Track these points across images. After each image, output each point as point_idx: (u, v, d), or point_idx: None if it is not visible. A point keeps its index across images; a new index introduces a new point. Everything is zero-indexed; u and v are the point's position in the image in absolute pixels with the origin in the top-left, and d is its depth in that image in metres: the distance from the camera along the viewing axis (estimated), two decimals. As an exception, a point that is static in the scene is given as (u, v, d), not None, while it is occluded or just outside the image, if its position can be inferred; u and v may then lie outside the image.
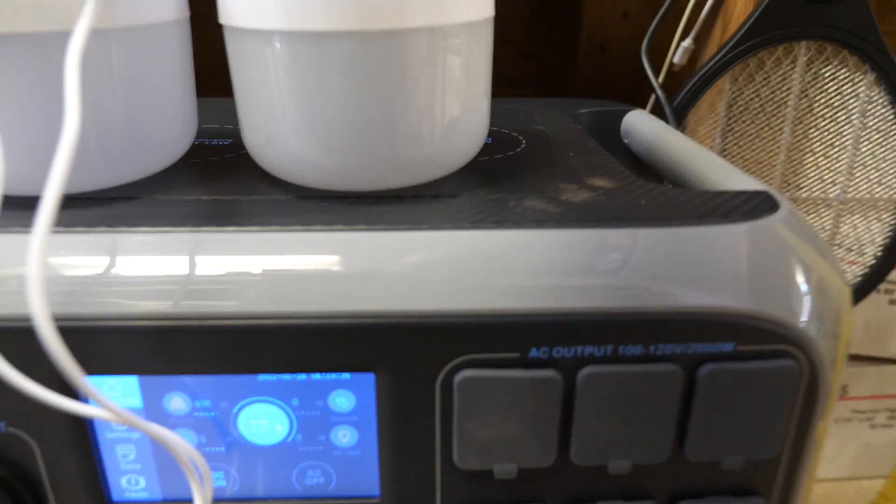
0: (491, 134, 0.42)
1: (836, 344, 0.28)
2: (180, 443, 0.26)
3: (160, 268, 0.26)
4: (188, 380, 0.27)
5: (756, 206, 0.30)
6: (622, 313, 0.26)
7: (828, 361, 0.28)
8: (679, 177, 0.38)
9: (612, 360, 0.27)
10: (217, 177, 0.34)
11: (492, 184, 0.33)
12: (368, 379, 0.27)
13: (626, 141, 0.48)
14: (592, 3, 0.86)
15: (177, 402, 0.28)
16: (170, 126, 0.32)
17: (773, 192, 0.31)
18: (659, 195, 0.31)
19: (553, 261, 0.27)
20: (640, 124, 0.46)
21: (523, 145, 0.40)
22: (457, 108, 0.30)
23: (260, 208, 0.29)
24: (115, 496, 0.30)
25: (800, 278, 0.28)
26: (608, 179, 0.33)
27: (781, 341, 0.27)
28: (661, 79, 0.58)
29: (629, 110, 0.49)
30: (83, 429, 0.28)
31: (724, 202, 0.30)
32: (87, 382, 0.22)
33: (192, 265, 0.26)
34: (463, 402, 0.27)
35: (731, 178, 0.34)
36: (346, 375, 0.27)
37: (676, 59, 0.59)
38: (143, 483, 0.29)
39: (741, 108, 0.55)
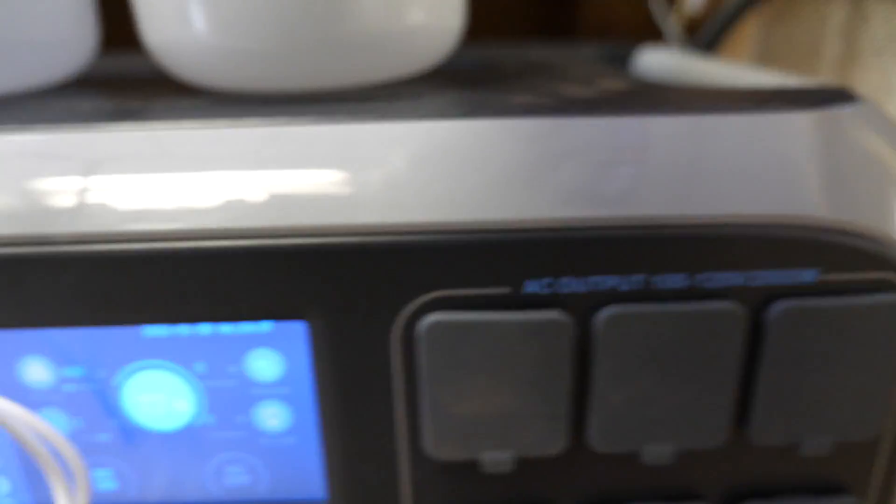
0: (469, 58, 0.34)
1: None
2: (37, 425, 0.18)
3: (4, 174, 0.19)
4: (49, 336, 0.19)
5: (830, 96, 0.22)
6: (657, 226, 0.19)
7: (949, 295, 0.20)
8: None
9: (644, 295, 0.19)
10: (113, 92, 0.26)
11: (469, 87, 0.25)
12: (298, 330, 0.20)
13: (642, 83, 0.40)
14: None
15: (37, 371, 0.20)
16: (51, 27, 0.24)
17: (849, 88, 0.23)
18: (697, 91, 0.23)
19: (557, 155, 0.19)
20: (657, 58, 0.38)
21: (517, 68, 0.32)
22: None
23: (154, 109, 0.22)
24: (-34, 507, 0.22)
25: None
26: (624, 82, 0.26)
27: (883, 267, 0.19)
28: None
29: (637, 47, 0.42)
30: None
31: (787, 93, 0.22)
32: None
33: (50, 168, 0.19)
34: (433, 361, 0.19)
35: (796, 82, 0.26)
36: (266, 326, 0.19)
37: (691, 6, 0.52)
38: (5, 486, 0.21)
39: (770, 56, 0.47)
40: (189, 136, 0.19)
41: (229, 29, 0.21)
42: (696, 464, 0.21)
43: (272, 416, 0.21)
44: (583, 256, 0.19)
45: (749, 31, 0.46)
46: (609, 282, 0.19)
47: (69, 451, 0.19)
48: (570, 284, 0.19)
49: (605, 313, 0.19)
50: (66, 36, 0.25)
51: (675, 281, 0.19)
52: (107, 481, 0.22)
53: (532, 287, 0.19)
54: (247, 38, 0.21)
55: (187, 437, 0.21)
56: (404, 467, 0.21)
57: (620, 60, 0.39)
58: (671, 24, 0.44)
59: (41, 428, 0.18)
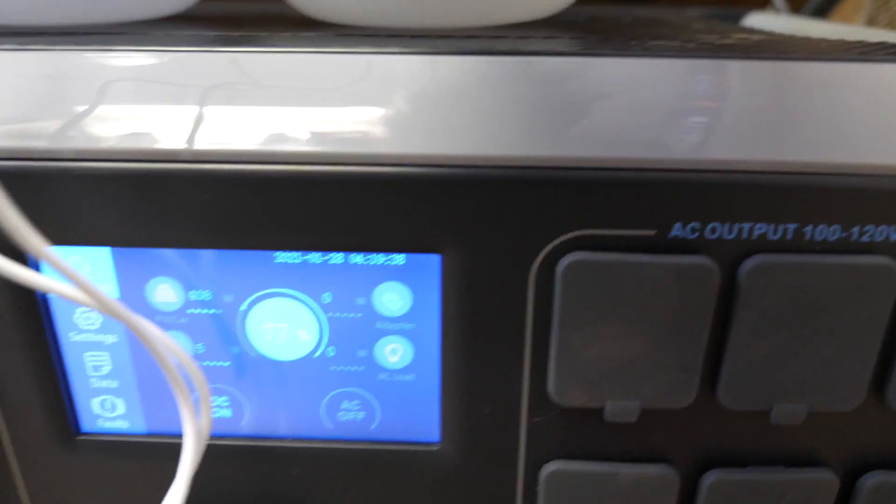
0: (579, 13, 0.33)
1: None
2: (171, 345, 0.18)
3: (143, 92, 0.18)
4: (180, 259, 0.19)
5: None
6: (812, 173, 0.18)
7: None
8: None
9: (795, 246, 0.18)
10: (236, 22, 0.26)
11: (599, 33, 0.24)
12: (431, 264, 0.19)
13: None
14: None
15: (164, 292, 0.20)
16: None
17: None
18: (843, 42, 0.22)
19: (710, 96, 0.18)
20: (770, 21, 0.37)
21: (630, 20, 0.31)
22: None
23: (285, 39, 0.21)
24: (85, 425, 0.22)
25: None
26: (756, 34, 0.25)
27: None
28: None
29: (746, 13, 0.40)
30: (37, 326, 0.20)
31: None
32: (42, 242, 0.14)
33: (187, 88, 0.18)
34: (568, 301, 0.18)
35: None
36: (399, 259, 0.19)
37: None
38: (121, 408, 0.22)
39: (885, 26, 0.45)
40: (330, 60, 0.19)
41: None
42: (826, 427, 0.20)
43: (393, 352, 0.20)
44: (732, 201, 0.18)
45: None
46: (758, 230, 0.18)
47: (197, 375, 0.19)
48: (718, 230, 0.18)
49: (752, 262, 0.18)
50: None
51: (827, 232, 0.18)
52: (221, 409, 0.22)
53: (678, 231, 0.18)
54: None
55: (306, 368, 0.21)
56: (524, 411, 0.20)
57: (728, 22, 0.38)
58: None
59: (173, 349, 0.18)
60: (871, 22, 0.45)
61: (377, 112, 0.18)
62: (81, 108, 0.18)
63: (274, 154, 0.18)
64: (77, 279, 0.15)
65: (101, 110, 0.18)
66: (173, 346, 0.18)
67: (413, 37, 0.21)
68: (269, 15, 0.28)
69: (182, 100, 0.18)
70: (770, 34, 0.25)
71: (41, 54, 0.19)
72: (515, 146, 0.18)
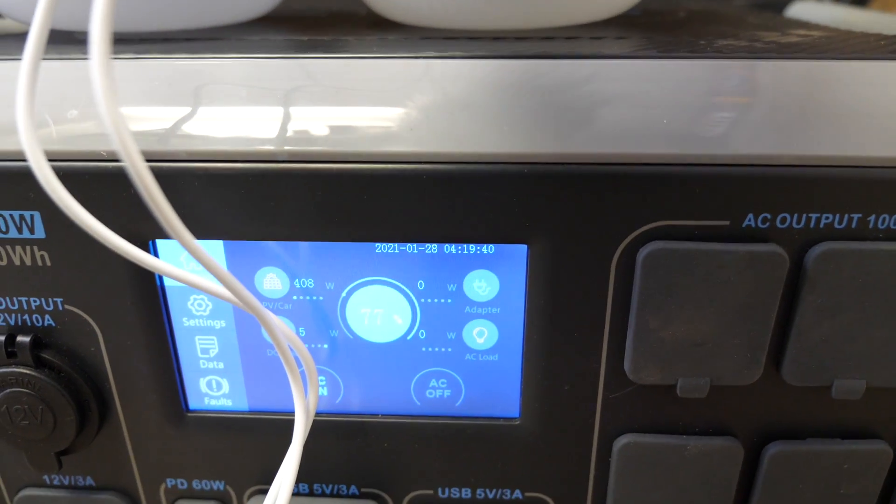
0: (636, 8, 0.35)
1: None
2: (287, 332, 0.20)
3: (253, 98, 0.20)
4: (286, 251, 0.21)
5: None
6: (876, 167, 0.19)
7: None
8: None
9: (858, 234, 0.20)
10: (318, 24, 0.28)
11: (664, 31, 0.25)
12: (518, 254, 0.21)
13: (787, 37, 0.40)
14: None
15: (272, 281, 0.22)
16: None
17: None
18: (881, 37, 0.23)
19: (778, 93, 0.19)
20: (815, 11, 0.38)
21: (685, 14, 0.32)
22: None
23: (372, 44, 0.23)
24: (192, 402, 0.24)
25: None
26: (814, 30, 0.26)
27: None
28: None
29: (789, 2, 0.41)
30: (155, 312, 0.22)
31: None
32: (184, 229, 0.16)
33: (293, 95, 0.20)
34: (647, 287, 0.20)
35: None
36: (489, 248, 0.21)
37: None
38: (225, 387, 0.24)
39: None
40: (425, 65, 0.20)
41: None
42: (883, 402, 0.22)
43: (480, 334, 0.22)
44: (800, 194, 0.19)
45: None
46: (825, 219, 0.19)
47: (306, 356, 0.21)
48: (787, 220, 0.19)
49: (818, 249, 0.19)
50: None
51: (889, 221, 0.19)
52: (320, 387, 0.24)
53: (750, 221, 0.19)
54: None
55: (398, 349, 0.23)
56: (601, 388, 0.22)
57: (774, 10, 0.39)
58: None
59: (289, 335, 0.20)
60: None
61: (468, 113, 0.19)
62: (196, 113, 0.20)
63: (374, 154, 0.20)
64: (217, 271, 0.17)
65: (213, 115, 0.20)
66: (289, 333, 0.20)
67: (494, 39, 0.23)
68: (348, 15, 0.30)
69: (288, 103, 0.20)
70: (826, 28, 0.26)
71: (159, 62, 0.20)
72: (598, 143, 0.19)
